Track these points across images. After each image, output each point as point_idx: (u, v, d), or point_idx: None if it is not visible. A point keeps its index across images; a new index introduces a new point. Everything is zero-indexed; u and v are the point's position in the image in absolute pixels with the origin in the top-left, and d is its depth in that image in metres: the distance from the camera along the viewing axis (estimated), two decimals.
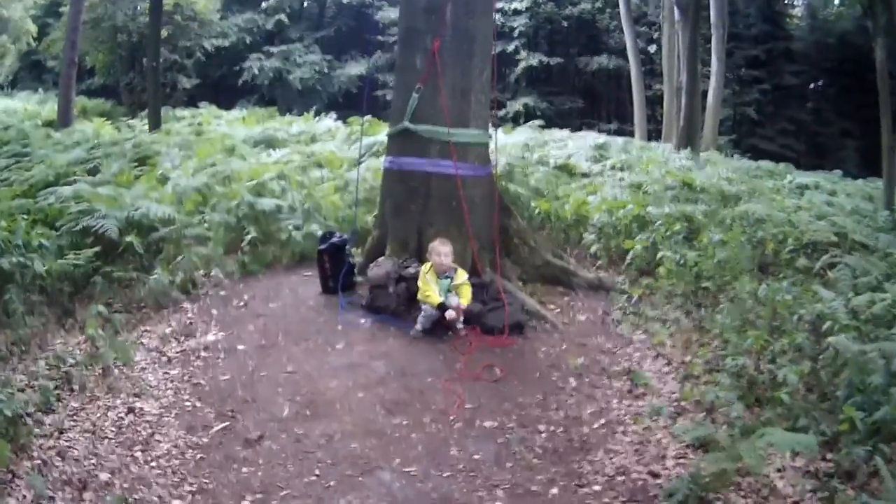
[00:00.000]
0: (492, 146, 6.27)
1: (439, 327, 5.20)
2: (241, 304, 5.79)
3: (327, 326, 5.26)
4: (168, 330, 5.33)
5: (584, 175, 10.21)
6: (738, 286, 5.75)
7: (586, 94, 29.58)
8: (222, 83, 28.23)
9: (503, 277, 5.71)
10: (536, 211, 7.63)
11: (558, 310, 5.78)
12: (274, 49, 27.67)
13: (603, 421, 4.18)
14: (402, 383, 4.48)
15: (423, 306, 5.14)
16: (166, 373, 4.72)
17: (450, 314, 5.06)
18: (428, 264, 5.22)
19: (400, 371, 4.62)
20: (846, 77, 25.96)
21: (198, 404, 4.29)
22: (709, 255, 6.15)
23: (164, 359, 4.91)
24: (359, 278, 5.97)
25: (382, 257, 5.71)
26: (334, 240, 5.99)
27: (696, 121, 17.10)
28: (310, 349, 4.93)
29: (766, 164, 13.70)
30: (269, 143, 12.40)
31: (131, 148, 10.48)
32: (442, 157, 5.65)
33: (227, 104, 22.73)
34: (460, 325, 5.22)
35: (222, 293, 6.01)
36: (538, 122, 15.38)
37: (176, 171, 8.66)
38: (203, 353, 4.94)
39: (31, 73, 29.19)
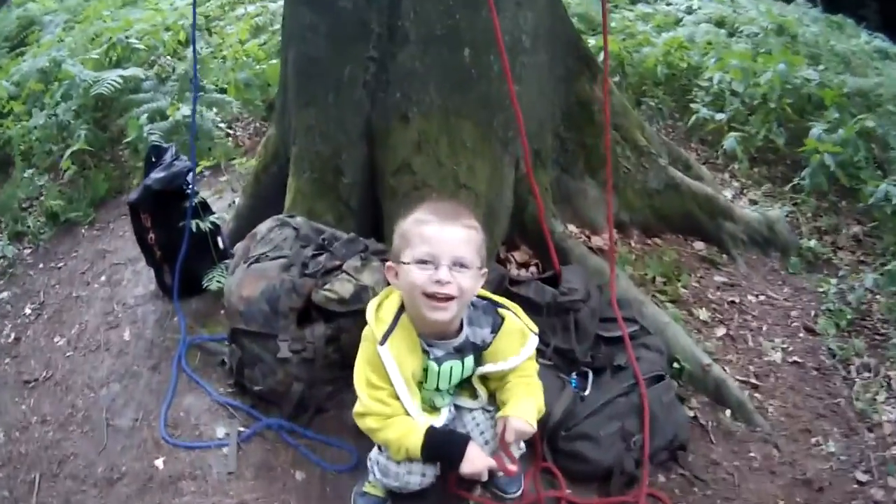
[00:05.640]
0: None
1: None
2: (11, 338, 2.26)
3: (141, 453, 1.71)
4: None
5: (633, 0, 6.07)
6: None
7: None
8: None
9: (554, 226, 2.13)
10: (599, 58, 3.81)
11: (722, 329, 2.17)
12: None
13: None
14: None
15: (379, 456, 1.49)
16: None
17: (489, 465, 1.39)
18: (392, 295, 1.44)
19: None
20: None
21: None
22: None
23: None
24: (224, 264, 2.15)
25: (268, 221, 1.93)
26: (158, 173, 2.16)
27: None
28: None
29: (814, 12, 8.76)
30: None
31: (13, 22, 6.66)
32: None
33: None
34: (514, 467, 1.46)
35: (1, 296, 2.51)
36: None
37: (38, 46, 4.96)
38: None
39: None
